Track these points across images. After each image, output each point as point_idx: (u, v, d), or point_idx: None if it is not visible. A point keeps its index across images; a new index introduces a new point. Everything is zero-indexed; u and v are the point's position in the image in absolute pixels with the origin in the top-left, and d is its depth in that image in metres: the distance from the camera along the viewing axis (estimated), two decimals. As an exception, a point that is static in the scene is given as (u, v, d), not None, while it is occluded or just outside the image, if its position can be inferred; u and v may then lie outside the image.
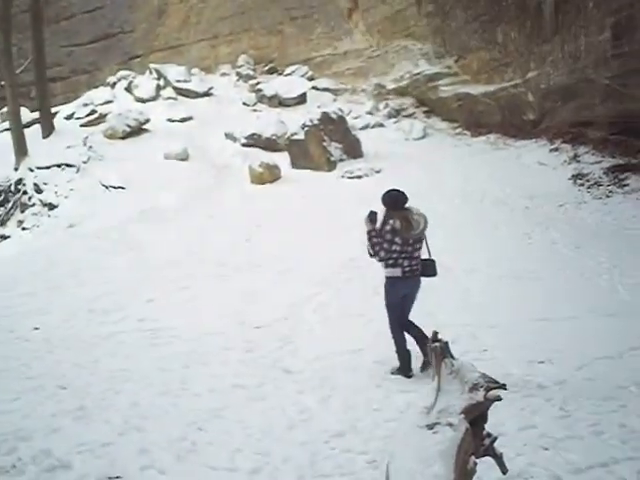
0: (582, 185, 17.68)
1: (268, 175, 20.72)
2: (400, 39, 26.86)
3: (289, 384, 8.18)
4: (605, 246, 13.71)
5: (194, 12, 33.52)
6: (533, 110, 21.43)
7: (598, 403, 7.09)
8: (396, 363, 8.59)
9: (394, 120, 25.58)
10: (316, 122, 22.20)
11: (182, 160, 21.86)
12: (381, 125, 25.37)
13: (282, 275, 12.92)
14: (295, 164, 21.99)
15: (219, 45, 33.18)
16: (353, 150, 22.30)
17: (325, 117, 22.35)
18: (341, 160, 21.98)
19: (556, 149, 19.82)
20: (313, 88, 29.20)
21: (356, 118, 25.68)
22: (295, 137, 22.32)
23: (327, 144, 22.12)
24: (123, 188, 18.98)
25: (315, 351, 9.25)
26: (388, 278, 8.51)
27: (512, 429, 6.43)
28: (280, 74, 31.14)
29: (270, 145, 23.47)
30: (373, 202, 16.94)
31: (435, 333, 5.43)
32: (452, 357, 5.21)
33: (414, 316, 9.72)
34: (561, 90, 19.98)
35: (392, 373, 8.61)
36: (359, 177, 20.53)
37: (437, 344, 5.30)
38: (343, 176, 20.78)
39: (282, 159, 21.69)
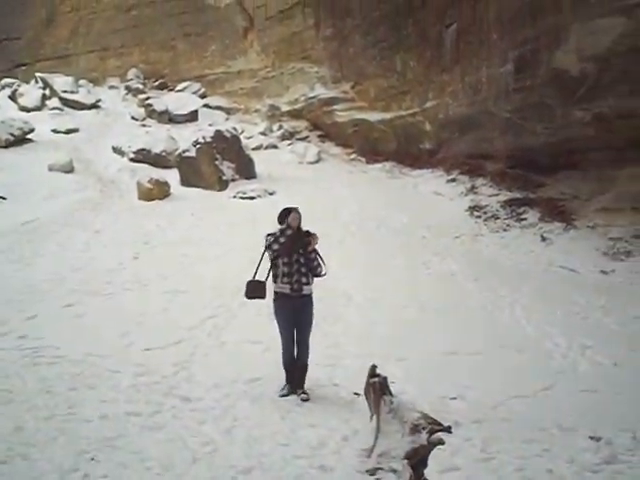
0: (479, 217, 17.64)
1: (157, 192, 19.92)
2: (296, 61, 26.63)
3: (188, 413, 7.60)
4: (504, 280, 13.60)
5: (84, 23, 32.62)
6: (430, 140, 21.44)
7: (521, 446, 6.76)
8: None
9: (288, 142, 25.25)
10: (209, 140, 21.60)
11: (67, 172, 20.81)
12: (275, 147, 24.99)
13: (172, 295, 12.25)
14: (185, 182, 21.28)
15: (109, 57, 32.36)
16: (246, 170, 21.78)
17: (219, 135, 21.79)
18: (233, 180, 21.42)
19: (453, 180, 19.79)
20: (205, 106, 28.69)
21: (249, 138, 25.23)
22: (186, 154, 21.61)
23: (219, 163, 21.53)
24: (4, 198, 17.81)
25: (213, 378, 8.72)
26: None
27: (433, 470, 5.94)
28: (171, 90, 30.49)
29: (160, 161, 22.68)
30: (266, 223, 16.53)
31: (374, 367, 4.96)
32: (391, 393, 4.74)
33: (321, 344, 9.33)
34: (460, 121, 20.01)
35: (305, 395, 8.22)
36: (252, 198, 20.00)
37: (376, 379, 4.83)
38: (235, 196, 20.21)
39: (172, 176, 20.93)
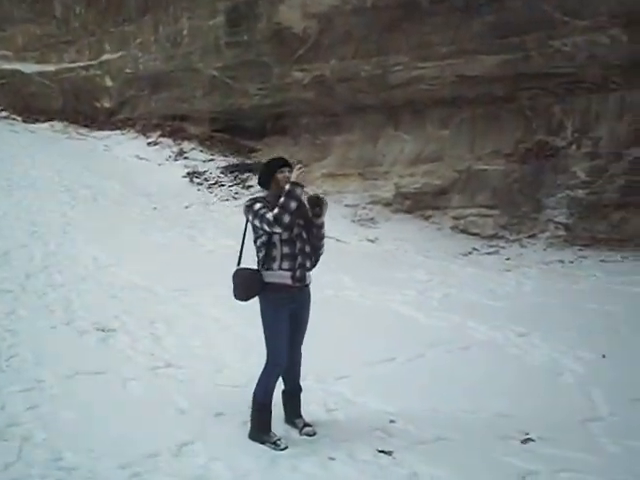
0: (201, 184, 14.25)
1: None
2: None
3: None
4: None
5: None
6: (110, 97, 17.14)
7: None
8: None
9: None
10: None
11: None
12: None
13: None
14: None
15: None
16: None
17: None
18: None
19: (155, 143, 15.93)
20: None
21: None
22: None
23: None
24: None
25: (106, 448, 4.70)
26: None
27: None
28: None
29: None
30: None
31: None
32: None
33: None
34: (153, 77, 16.10)
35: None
36: None
37: None
38: None
39: None
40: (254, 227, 4.81)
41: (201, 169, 14.71)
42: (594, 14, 11.74)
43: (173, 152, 15.48)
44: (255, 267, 4.87)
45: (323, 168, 14.58)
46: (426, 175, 13.65)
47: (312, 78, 14.24)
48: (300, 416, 5.18)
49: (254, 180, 14.31)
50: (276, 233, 4.70)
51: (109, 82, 16.88)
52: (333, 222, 12.50)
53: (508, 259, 11.46)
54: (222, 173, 14.50)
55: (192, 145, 15.57)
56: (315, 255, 5.01)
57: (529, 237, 12.27)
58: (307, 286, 5.01)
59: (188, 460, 4.64)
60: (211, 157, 15.13)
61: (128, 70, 16.46)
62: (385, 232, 12.66)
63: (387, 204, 13.64)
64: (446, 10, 12.71)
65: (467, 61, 12.90)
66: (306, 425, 5.09)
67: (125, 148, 15.74)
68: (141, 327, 7.28)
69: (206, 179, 14.38)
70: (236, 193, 13.89)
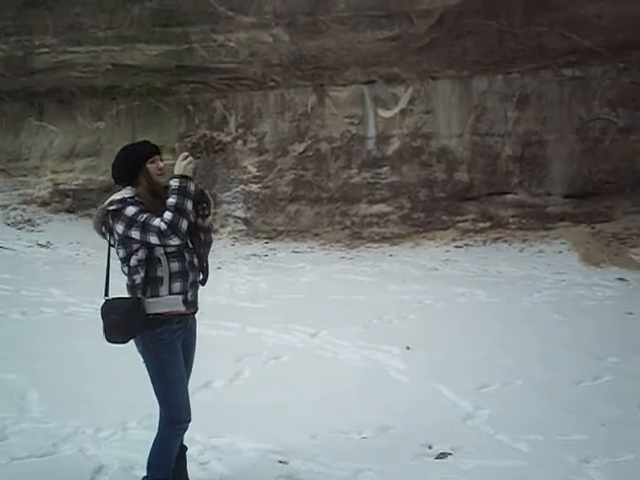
0: None
1: None
2: None
3: None
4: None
5: None
6: None
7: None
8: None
9: None
10: None
11: None
12: None
13: None
14: None
15: None
16: None
17: None
18: None
19: None
20: None
21: None
22: None
23: None
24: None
25: None
26: None
27: None
28: None
29: None
30: None
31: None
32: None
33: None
34: None
35: None
36: None
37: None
38: None
39: None
40: (125, 240, 3.19)
41: None
42: (259, 12, 11.63)
43: None
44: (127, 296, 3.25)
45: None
46: (87, 171, 12.16)
47: None
48: None
49: None
50: (171, 245, 3.18)
51: None
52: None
53: (203, 256, 10.56)
54: None
55: None
56: (205, 268, 3.50)
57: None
58: (195, 313, 3.48)
59: None
60: None
61: None
62: (54, 235, 10.75)
63: (44, 203, 11.75)
64: (100, -10, 11.40)
65: (125, 49, 11.92)
66: None
67: None
68: None
69: None
70: None
